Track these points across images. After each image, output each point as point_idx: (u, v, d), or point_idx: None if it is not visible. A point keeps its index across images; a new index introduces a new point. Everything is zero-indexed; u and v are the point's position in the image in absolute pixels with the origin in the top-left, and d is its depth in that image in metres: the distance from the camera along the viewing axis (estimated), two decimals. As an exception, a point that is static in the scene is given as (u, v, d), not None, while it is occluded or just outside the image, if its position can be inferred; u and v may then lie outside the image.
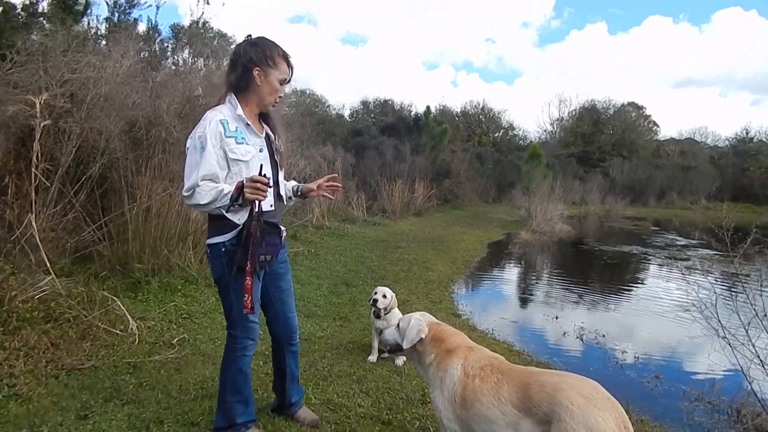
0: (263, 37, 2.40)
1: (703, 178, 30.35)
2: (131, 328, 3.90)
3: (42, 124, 4.16)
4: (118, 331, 3.84)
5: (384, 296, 3.76)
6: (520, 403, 1.94)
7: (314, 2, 77.73)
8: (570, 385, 1.88)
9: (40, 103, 4.08)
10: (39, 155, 4.31)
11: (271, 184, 2.34)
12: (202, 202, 2.22)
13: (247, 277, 2.26)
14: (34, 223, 4.11)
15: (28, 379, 2.99)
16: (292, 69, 2.44)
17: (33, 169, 4.22)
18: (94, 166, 4.93)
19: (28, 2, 6.16)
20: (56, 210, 4.84)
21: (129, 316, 3.99)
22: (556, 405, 1.82)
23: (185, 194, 2.24)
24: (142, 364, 3.43)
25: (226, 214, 2.26)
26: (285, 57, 2.39)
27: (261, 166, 2.31)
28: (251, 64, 2.33)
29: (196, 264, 5.35)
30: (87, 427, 2.61)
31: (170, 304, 4.60)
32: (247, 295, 2.27)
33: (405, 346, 2.36)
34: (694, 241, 13.58)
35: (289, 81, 2.46)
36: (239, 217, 2.29)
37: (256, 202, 2.23)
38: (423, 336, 2.31)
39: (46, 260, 4.08)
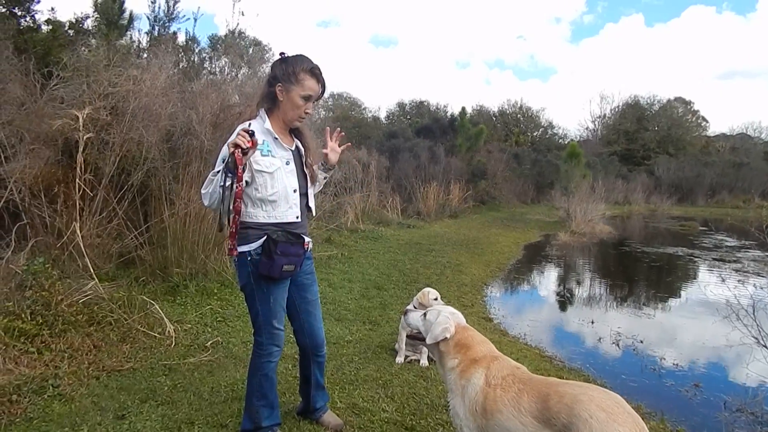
0: (297, 54, 2.45)
1: (757, 174, 28.77)
2: (168, 331, 4.06)
3: (85, 137, 4.39)
4: (155, 334, 4.00)
5: (436, 299, 3.94)
6: (539, 413, 1.92)
7: (339, 6, 77.99)
8: (590, 397, 1.84)
9: (83, 117, 4.31)
10: (83, 166, 4.55)
11: (300, 194, 2.49)
12: (206, 202, 2.35)
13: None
14: (78, 230, 4.34)
15: (72, 380, 3.18)
16: (323, 85, 2.47)
17: (77, 180, 4.46)
18: (135, 175, 5.16)
19: (74, 20, 6.51)
20: (101, 217, 5.09)
21: (166, 320, 4.16)
22: (575, 417, 1.80)
23: (202, 195, 2.37)
24: (177, 366, 3.57)
25: (224, 184, 2.22)
26: (313, 73, 2.42)
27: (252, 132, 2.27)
28: (274, 81, 2.42)
29: (232, 268, 5.50)
30: (123, 426, 2.75)
31: (206, 308, 4.76)
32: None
33: (428, 341, 2.32)
34: (746, 242, 12.95)
35: (318, 98, 2.50)
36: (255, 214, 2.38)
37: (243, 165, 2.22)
38: (447, 336, 2.27)
39: (90, 266, 4.30)
